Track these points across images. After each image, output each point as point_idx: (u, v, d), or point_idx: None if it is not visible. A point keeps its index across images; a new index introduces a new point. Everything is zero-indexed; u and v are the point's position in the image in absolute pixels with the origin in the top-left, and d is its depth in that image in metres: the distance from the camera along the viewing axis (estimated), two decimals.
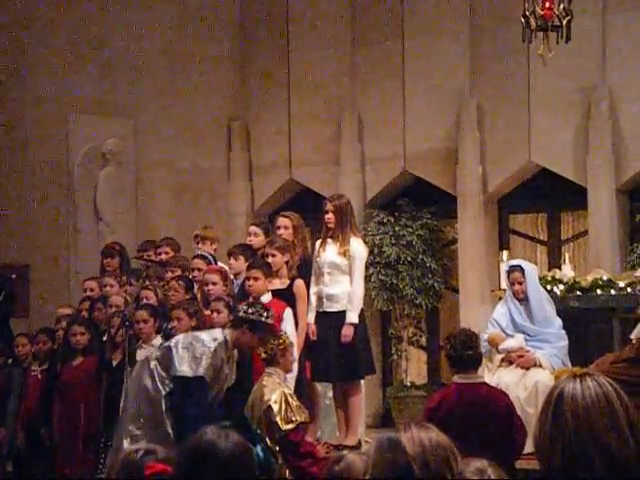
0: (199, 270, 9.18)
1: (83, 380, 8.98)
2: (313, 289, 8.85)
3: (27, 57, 12.19)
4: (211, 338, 7.49)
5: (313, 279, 8.87)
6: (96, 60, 12.44)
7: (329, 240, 8.86)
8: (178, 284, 8.92)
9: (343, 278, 8.79)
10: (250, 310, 7.49)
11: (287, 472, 7.35)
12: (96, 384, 8.87)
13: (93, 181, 12.38)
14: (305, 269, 8.93)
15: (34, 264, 12.06)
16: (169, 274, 9.26)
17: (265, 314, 7.51)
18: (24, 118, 12.19)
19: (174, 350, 7.53)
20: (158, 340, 8.41)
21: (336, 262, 8.79)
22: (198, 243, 9.93)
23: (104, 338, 9.10)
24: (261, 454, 2.94)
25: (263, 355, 7.62)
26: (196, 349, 7.45)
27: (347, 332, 8.69)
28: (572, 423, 2.38)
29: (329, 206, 8.90)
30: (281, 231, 9.06)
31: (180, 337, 7.73)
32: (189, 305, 8.57)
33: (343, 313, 8.74)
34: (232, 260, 9.15)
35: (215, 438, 2.81)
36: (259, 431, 7.07)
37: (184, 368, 7.42)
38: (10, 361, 9.93)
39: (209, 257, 9.54)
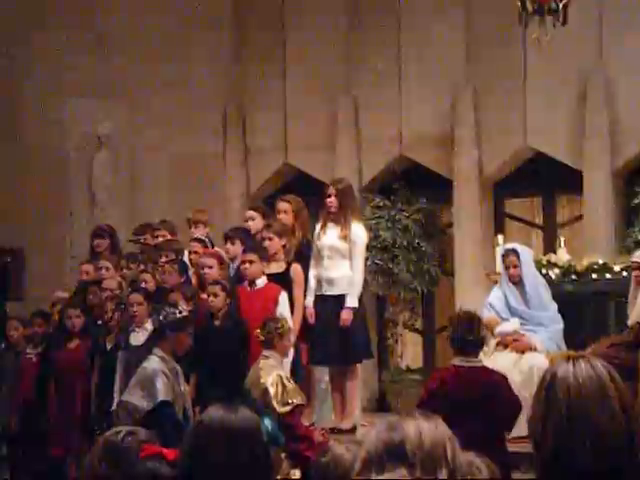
0: (196, 253, 9.19)
1: (78, 363, 8.99)
2: (312, 272, 8.85)
3: (22, 40, 12.16)
4: (149, 364, 7.16)
5: (312, 262, 8.87)
6: (92, 44, 12.40)
7: (330, 224, 8.86)
8: (172, 267, 8.93)
9: (343, 262, 8.79)
10: (161, 316, 7.31)
11: (283, 455, 7.37)
12: (90, 367, 8.89)
13: (88, 165, 12.36)
14: (306, 253, 8.93)
15: (29, 248, 12.06)
16: (163, 258, 9.26)
17: (176, 310, 7.30)
18: (19, 101, 12.17)
19: (127, 399, 7.19)
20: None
21: (337, 246, 8.79)
22: (191, 227, 9.93)
23: (99, 322, 9.11)
24: (269, 426, 2.93)
25: (261, 337, 7.63)
26: (143, 381, 7.12)
27: (347, 316, 8.70)
28: (564, 404, 2.39)
29: (332, 190, 8.89)
30: (281, 215, 9.05)
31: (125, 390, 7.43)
32: (186, 289, 8.57)
33: (342, 297, 8.75)
34: (228, 244, 9.15)
35: (223, 413, 2.82)
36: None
37: (144, 403, 7.02)
38: (3, 345, 9.93)
39: (206, 240, 9.55)
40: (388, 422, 2.35)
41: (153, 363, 7.12)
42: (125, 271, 9.58)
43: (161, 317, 7.23)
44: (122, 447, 3.36)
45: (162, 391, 6.98)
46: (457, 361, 6.97)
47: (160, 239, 9.84)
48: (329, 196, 8.86)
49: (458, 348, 6.96)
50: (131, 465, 3.30)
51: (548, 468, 2.42)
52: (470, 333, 6.86)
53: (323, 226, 8.89)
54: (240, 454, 2.76)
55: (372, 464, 2.26)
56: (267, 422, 2.66)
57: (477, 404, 6.71)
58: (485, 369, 7.10)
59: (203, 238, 9.55)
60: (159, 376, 7.03)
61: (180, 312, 7.24)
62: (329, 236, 8.83)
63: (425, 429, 2.31)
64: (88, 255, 10.44)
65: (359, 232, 8.88)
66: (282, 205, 9.14)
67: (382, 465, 2.25)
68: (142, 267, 9.33)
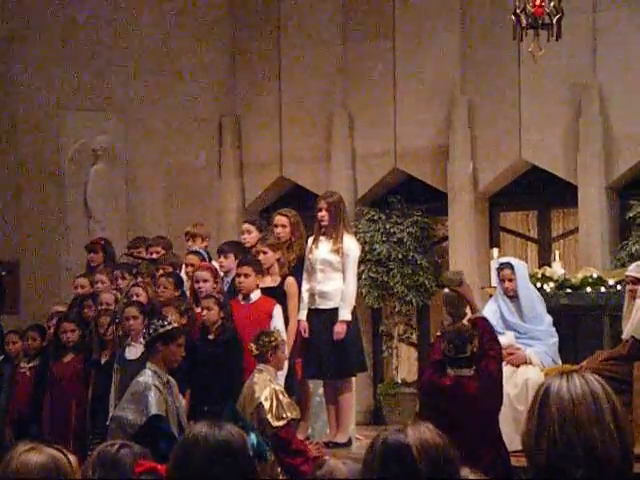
0: (192, 266, 9.18)
1: (73, 377, 8.98)
2: (305, 286, 8.84)
3: (17, 53, 12.17)
4: (142, 378, 7.15)
5: (305, 276, 8.87)
6: (87, 56, 12.41)
7: (322, 237, 8.87)
8: (168, 281, 8.91)
9: (336, 275, 8.79)
10: (151, 330, 7.28)
11: (279, 470, 7.36)
12: (84, 381, 8.88)
13: (83, 178, 12.37)
14: (303, 266, 8.93)
15: (24, 261, 12.05)
16: (160, 271, 9.25)
17: (164, 322, 7.27)
18: (14, 114, 12.17)
19: (120, 414, 7.16)
20: None
21: (329, 259, 8.79)
22: (188, 240, 9.92)
23: (94, 335, 9.10)
24: (255, 441, 2.94)
25: (254, 352, 7.62)
26: (135, 396, 7.10)
27: (340, 329, 8.70)
28: (557, 419, 2.40)
29: (322, 203, 8.90)
30: (279, 229, 9.04)
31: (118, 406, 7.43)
32: (180, 303, 8.55)
33: (335, 310, 8.75)
34: (222, 258, 9.15)
35: (207, 429, 2.83)
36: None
37: (136, 418, 6.95)
38: (1, 358, 9.93)
39: (203, 253, 9.54)
40: (394, 430, 2.37)
41: (145, 377, 7.12)
42: (120, 281, 9.58)
43: (150, 331, 7.24)
44: (116, 458, 3.37)
45: (154, 405, 6.97)
46: (451, 371, 7.04)
47: (154, 255, 9.83)
48: (320, 210, 8.87)
49: (450, 365, 7.04)
50: (123, 474, 3.30)
51: None
52: (462, 353, 6.94)
53: (315, 240, 8.89)
54: (226, 469, 2.77)
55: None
56: (253, 437, 2.68)
57: (466, 413, 6.79)
58: (476, 381, 7.13)
59: (200, 251, 9.55)
60: (151, 390, 7.03)
61: (169, 323, 7.25)
62: (321, 250, 8.83)
63: (432, 437, 2.33)
64: (85, 269, 10.45)
65: (351, 245, 8.89)
66: (279, 219, 9.13)
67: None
68: (135, 280, 9.32)
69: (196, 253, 9.42)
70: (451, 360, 7.03)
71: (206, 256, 9.52)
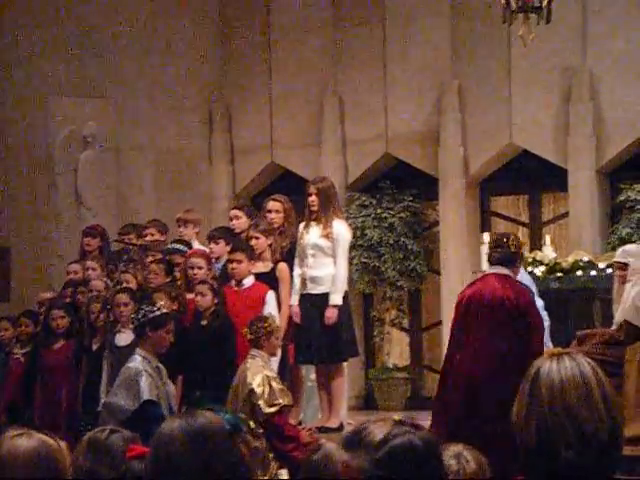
0: (177, 265, 9.12)
1: (64, 364, 8.97)
2: (297, 271, 8.85)
3: (5, 39, 12.13)
4: (133, 364, 7.17)
5: (297, 261, 8.88)
6: (76, 42, 12.38)
7: (312, 222, 8.86)
8: (158, 267, 8.90)
9: (327, 260, 8.79)
10: (140, 315, 7.28)
11: (271, 456, 7.38)
12: (75, 368, 8.88)
13: (74, 164, 12.35)
14: (295, 252, 8.93)
15: (15, 247, 12.03)
16: (150, 258, 9.23)
17: (153, 308, 7.28)
18: (3, 100, 12.15)
19: (111, 400, 7.19)
20: None
21: (320, 244, 8.79)
22: (180, 226, 9.90)
23: (85, 322, 9.09)
24: (230, 418, 2.96)
25: (249, 336, 7.63)
26: (127, 382, 7.12)
27: (331, 314, 8.70)
28: (547, 399, 2.41)
29: (312, 188, 8.89)
30: (272, 215, 9.03)
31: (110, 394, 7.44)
32: (170, 289, 8.55)
33: (327, 295, 8.75)
34: (212, 244, 9.13)
35: (181, 418, 2.82)
36: (243, 415, 7.09)
37: (129, 403, 7.01)
38: None
39: (182, 249, 9.40)
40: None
41: (135, 363, 7.12)
42: (111, 267, 9.56)
43: (139, 316, 7.24)
44: (106, 444, 3.37)
45: (146, 390, 6.99)
46: (486, 269, 7.50)
47: (148, 238, 9.81)
48: (310, 195, 8.86)
49: (488, 261, 7.41)
50: (114, 460, 3.30)
51: (532, 463, 2.44)
52: (496, 247, 7.28)
53: (306, 225, 8.90)
54: (206, 451, 2.76)
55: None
56: (222, 414, 2.71)
57: (486, 304, 6.96)
58: (504, 277, 7.25)
59: (178, 247, 9.37)
60: (142, 375, 7.04)
61: (158, 309, 7.25)
62: (312, 235, 8.83)
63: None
64: (78, 254, 10.42)
65: (342, 230, 8.89)
66: (273, 205, 9.12)
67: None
68: (129, 265, 9.30)
69: (177, 251, 9.27)
70: (488, 258, 7.37)
71: (188, 245, 9.41)
